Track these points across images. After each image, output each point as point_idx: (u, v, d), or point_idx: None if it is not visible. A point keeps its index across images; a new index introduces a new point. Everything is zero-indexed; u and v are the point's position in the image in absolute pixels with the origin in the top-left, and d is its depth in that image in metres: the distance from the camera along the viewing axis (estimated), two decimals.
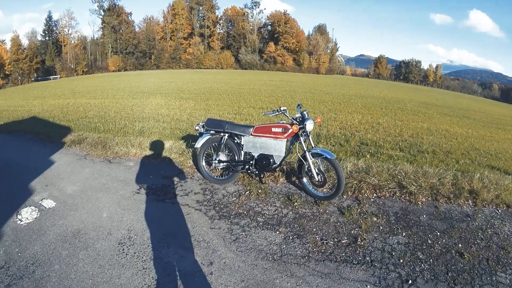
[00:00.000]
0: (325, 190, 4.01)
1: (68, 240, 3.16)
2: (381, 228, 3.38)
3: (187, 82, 26.46)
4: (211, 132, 4.36)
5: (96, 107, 12.21)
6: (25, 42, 63.84)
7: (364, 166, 4.74)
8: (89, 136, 6.77)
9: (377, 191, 4.14)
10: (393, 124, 9.77)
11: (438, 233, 3.31)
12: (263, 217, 3.57)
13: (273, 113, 3.99)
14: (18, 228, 3.38)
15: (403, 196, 4.05)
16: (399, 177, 4.36)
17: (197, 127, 4.47)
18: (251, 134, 4.12)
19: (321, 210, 3.70)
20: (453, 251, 3.01)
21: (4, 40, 61.42)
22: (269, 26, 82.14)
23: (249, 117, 9.43)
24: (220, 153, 4.36)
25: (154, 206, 3.88)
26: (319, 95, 18.16)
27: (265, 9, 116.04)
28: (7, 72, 57.98)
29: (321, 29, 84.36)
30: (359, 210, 3.70)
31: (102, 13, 73.81)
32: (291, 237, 3.19)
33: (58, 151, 6.15)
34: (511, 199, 4.09)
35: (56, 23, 68.58)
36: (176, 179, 4.67)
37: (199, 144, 4.42)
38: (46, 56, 63.86)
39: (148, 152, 5.76)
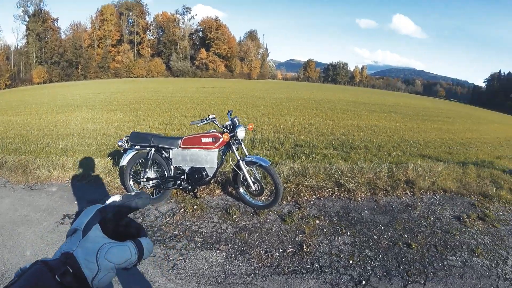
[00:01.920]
0: (263, 198, 3.86)
1: None
2: (325, 230, 3.31)
3: (115, 92, 24.76)
4: (136, 147, 3.92)
5: (18, 125, 10.68)
6: None
7: (301, 168, 4.73)
8: (9, 160, 5.76)
9: (316, 192, 4.12)
10: (325, 124, 10.14)
11: (382, 227, 3.36)
12: (201, 236, 3.26)
13: (201, 122, 3.72)
14: None
15: (342, 195, 4.09)
16: (336, 176, 4.42)
17: (120, 143, 3.96)
18: (180, 147, 3.77)
19: (261, 220, 3.52)
20: (400, 243, 3.05)
21: None
22: (200, 33, 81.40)
23: (181, 126, 8.99)
24: (148, 169, 3.92)
25: None
26: (251, 100, 18.33)
27: (196, 15, 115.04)
28: None
29: (252, 35, 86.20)
30: (300, 214, 3.61)
31: (27, 19, 66.01)
32: (233, 255, 2.94)
33: None
34: (447, 184, 4.38)
35: None
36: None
37: (124, 161, 3.95)
38: None
39: (72, 174, 5.07)
